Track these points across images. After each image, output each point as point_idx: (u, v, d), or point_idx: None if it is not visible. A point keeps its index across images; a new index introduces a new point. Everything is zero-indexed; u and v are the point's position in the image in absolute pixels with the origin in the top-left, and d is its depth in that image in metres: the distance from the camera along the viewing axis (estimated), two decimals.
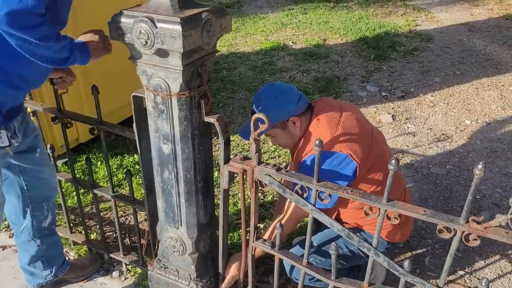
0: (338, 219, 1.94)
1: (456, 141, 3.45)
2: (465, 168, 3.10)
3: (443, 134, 3.55)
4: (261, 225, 2.54)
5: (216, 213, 1.81)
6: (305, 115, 1.79)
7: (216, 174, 2.67)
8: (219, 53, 5.29)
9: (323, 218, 1.45)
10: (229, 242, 2.25)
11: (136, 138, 1.66)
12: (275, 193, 2.80)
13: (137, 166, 3.01)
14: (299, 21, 6.45)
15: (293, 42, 5.58)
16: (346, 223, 1.92)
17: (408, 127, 3.64)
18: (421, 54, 5.13)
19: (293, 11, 6.90)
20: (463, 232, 1.24)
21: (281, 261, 1.62)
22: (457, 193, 2.84)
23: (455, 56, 5.08)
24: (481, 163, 1.13)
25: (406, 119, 3.78)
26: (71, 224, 2.33)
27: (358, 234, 1.89)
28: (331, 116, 1.77)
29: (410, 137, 3.51)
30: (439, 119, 3.77)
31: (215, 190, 1.79)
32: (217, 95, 4.13)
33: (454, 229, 1.25)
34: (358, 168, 1.68)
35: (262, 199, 2.75)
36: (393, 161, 1.24)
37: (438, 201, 2.79)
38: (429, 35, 5.72)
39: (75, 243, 2.36)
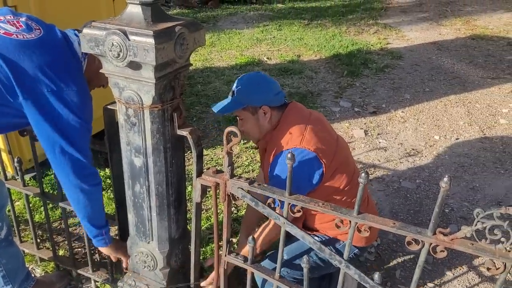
0: (307, 227, 1.96)
1: (425, 156, 3.53)
2: (434, 182, 3.17)
3: (413, 149, 3.63)
4: (234, 240, 2.52)
5: (188, 227, 1.79)
6: (277, 111, 1.84)
7: (189, 188, 2.65)
8: (194, 67, 5.29)
9: (295, 231, 1.46)
10: (201, 257, 2.23)
11: (108, 151, 1.64)
12: None
13: (108, 181, 2.96)
14: (274, 37, 6.54)
15: (268, 58, 5.65)
16: (315, 230, 1.94)
17: (379, 142, 3.72)
18: (392, 71, 5.27)
19: (268, 28, 7.00)
20: (431, 244, 1.26)
21: (253, 275, 1.61)
22: (427, 207, 2.90)
23: (425, 74, 5.24)
24: (446, 176, 1.16)
25: (378, 134, 3.85)
26: (38, 240, 2.26)
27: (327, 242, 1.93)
28: (301, 117, 1.84)
29: (382, 152, 3.58)
30: (410, 135, 3.87)
31: (188, 204, 1.78)
32: (191, 109, 4.12)
33: (422, 241, 1.27)
34: (324, 169, 1.73)
35: (235, 213, 2.74)
36: (363, 174, 1.26)
37: (409, 214, 2.84)
38: (399, 53, 5.89)
39: (42, 260, 2.28)
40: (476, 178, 3.24)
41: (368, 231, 1.36)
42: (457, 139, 3.81)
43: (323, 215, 1.88)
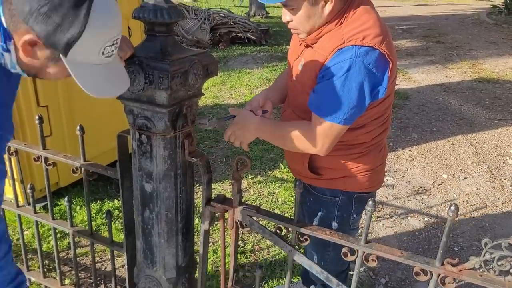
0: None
1: (433, 194, 3.52)
2: (443, 221, 3.15)
3: (421, 187, 3.62)
4: (240, 273, 2.50)
5: (195, 257, 1.79)
6: (340, 1, 1.48)
7: (196, 221, 2.66)
8: (204, 104, 5.38)
9: (302, 260, 1.46)
10: None
11: (119, 176, 1.67)
12: (255, 240, 2.78)
13: (116, 212, 2.98)
14: None
15: None
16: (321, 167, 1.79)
17: (387, 180, 3.71)
18: (399, 111, 5.33)
19: (277, 68, 7.15)
20: (439, 274, 1.25)
21: None
22: (436, 245, 2.87)
23: (432, 114, 5.28)
24: (453, 205, 1.17)
25: (386, 171, 3.85)
26: (45, 270, 2.26)
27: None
28: (378, 16, 1.50)
29: (390, 189, 3.57)
30: (417, 173, 3.86)
31: (195, 236, 1.78)
32: (200, 144, 4.18)
33: (430, 271, 1.27)
34: (386, 89, 1.47)
35: (242, 246, 2.72)
36: (370, 202, 1.28)
37: (417, 252, 2.80)
38: (406, 94, 5.97)
39: None
40: (485, 218, 3.21)
41: (375, 261, 1.36)
42: (465, 178, 3.80)
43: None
